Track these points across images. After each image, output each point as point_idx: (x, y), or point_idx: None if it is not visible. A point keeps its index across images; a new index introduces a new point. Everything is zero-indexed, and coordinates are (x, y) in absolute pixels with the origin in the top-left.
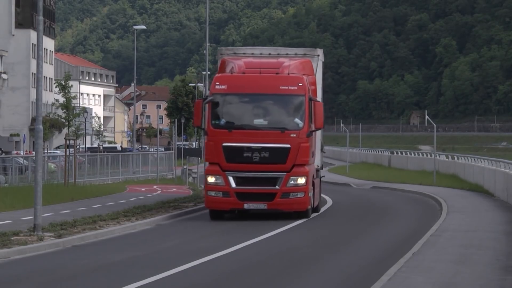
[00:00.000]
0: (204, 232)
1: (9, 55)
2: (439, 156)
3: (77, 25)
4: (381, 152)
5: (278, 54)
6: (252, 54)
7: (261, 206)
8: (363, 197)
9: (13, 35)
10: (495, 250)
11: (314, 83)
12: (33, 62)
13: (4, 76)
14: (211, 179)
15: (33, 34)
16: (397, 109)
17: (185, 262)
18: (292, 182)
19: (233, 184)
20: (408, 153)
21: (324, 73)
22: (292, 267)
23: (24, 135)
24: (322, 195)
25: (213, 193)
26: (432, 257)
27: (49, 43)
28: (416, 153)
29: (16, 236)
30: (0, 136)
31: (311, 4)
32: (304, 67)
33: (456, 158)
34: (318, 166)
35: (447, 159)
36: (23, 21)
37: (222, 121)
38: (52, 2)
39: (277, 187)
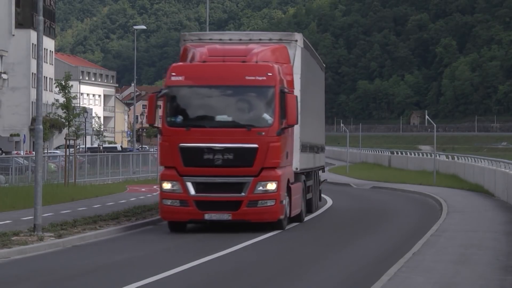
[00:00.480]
0: (206, 232)
1: (9, 55)
2: (439, 156)
3: (77, 25)
4: (381, 152)
5: (250, 39)
6: (220, 40)
7: (225, 216)
8: (363, 197)
9: (13, 35)
10: (495, 250)
11: (290, 73)
12: (33, 62)
13: (4, 76)
14: (166, 186)
15: (33, 34)
16: (397, 109)
17: (185, 262)
18: (261, 188)
19: (192, 191)
20: (408, 153)
21: (324, 73)
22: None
23: (24, 135)
24: (322, 195)
25: (169, 202)
26: (432, 257)
27: (49, 43)
28: (416, 153)
29: (16, 236)
30: (0, 136)
31: (311, 4)
32: (278, 55)
33: (456, 158)
34: (297, 168)
35: (447, 159)
36: (23, 21)
37: (179, 118)
38: (52, 2)
39: (243, 194)
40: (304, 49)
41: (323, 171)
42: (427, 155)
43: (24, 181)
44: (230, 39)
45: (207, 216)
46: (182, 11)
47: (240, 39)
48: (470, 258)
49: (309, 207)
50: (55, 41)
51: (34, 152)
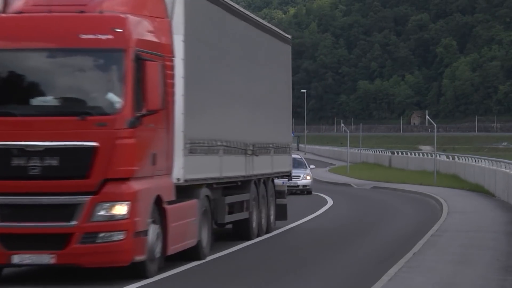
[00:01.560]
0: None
1: None
2: (439, 156)
3: None
4: (381, 152)
5: None
6: None
7: (45, 259)
8: (363, 197)
9: None
10: (496, 250)
11: (166, 32)
12: None
13: None
14: None
15: None
16: (397, 109)
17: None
18: (103, 212)
19: None
20: (408, 153)
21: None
22: None
23: None
24: (322, 195)
25: None
26: (433, 257)
27: None
28: (416, 153)
29: None
30: None
31: (312, 4)
32: (143, 3)
33: (456, 158)
34: (179, 179)
35: (447, 159)
36: None
37: None
38: None
39: (73, 223)
40: None
41: (290, 179)
42: (427, 155)
43: None
44: None
45: (16, 259)
46: None
47: None
48: (471, 258)
49: (244, 233)
50: None
51: None
